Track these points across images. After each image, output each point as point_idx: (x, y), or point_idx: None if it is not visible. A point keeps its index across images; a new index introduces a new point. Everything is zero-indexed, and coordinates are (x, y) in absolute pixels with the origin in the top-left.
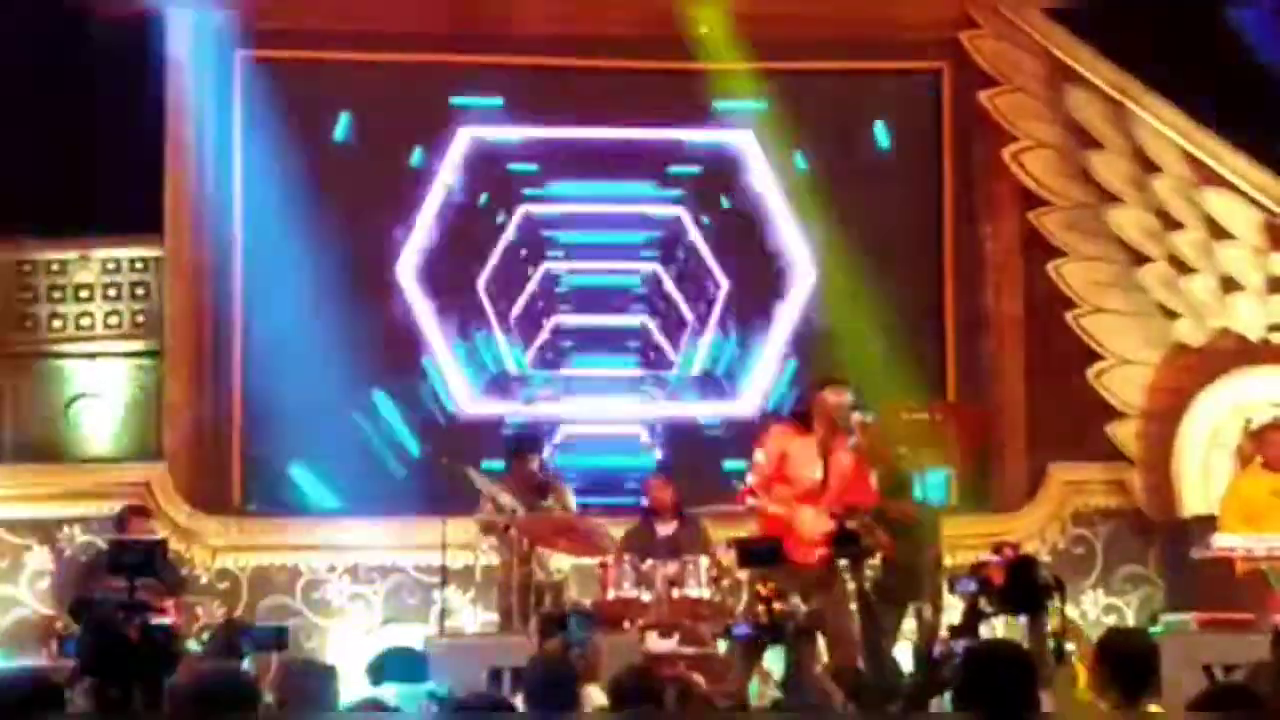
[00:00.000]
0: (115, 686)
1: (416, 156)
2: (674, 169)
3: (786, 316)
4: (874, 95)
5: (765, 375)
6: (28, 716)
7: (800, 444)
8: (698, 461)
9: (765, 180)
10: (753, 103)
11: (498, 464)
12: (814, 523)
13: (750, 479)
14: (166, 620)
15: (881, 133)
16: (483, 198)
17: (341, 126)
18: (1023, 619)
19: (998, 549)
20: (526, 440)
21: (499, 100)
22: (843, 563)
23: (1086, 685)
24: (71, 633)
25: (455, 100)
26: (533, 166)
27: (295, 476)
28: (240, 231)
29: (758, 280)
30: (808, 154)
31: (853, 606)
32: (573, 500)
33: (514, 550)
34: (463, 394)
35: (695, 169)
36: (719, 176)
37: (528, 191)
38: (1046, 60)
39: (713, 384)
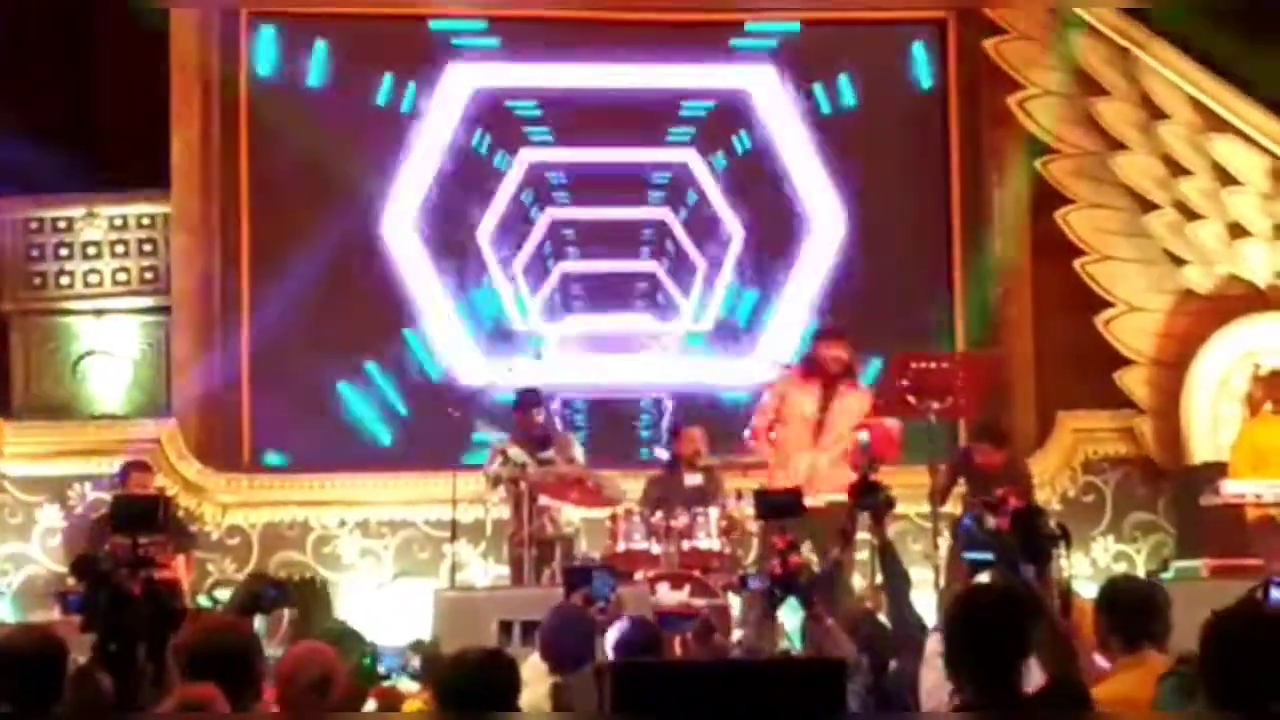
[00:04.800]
0: (118, 643)
1: (409, 100)
2: (686, 109)
3: (807, 269)
4: (882, 45)
5: (784, 331)
6: (32, 672)
7: (800, 388)
8: (711, 415)
9: (776, 128)
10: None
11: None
12: (810, 467)
13: (755, 421)
14: (171, 576)
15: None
16: (484, 142)
17: (317, 69)
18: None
19: (1002, 498)
20: (529, 393)
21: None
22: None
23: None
24: (75, 589)
25: (454, 41)
26: (533, 105)
27: (304, 431)
28: (247, 186)
29: (771, 229)
30: (816, 103)
31: (859, 556)
32: (578, 451)
33: (523, 504)
34: (460, 352)
35: (705, 111)
36: (729, 121)
37: (529, 131)
38: (1051, 7)
39: (729, 336)
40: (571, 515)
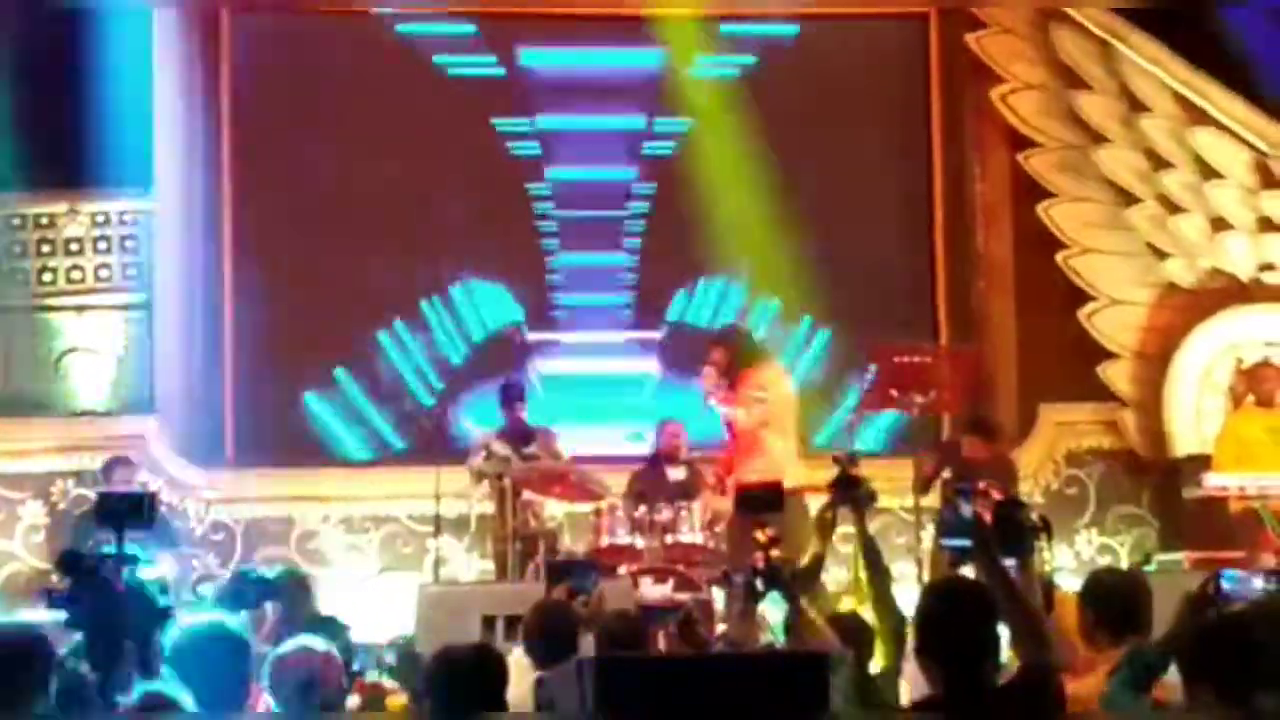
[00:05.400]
0: (105, 640)
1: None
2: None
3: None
4: (863, 39)
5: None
6: (18, 671)
7: None
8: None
9: (757, 123)
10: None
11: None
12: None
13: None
14: (157, 573)
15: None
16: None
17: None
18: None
19: (984, 491)
20: (514, 387)
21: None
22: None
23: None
24: (60, 586)
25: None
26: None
27: (289, 426)
28: (229, 182)
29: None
30: (799, 98)
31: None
32: (562, 446)
33: (506, 498)
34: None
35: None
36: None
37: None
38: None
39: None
40: (555, 510)
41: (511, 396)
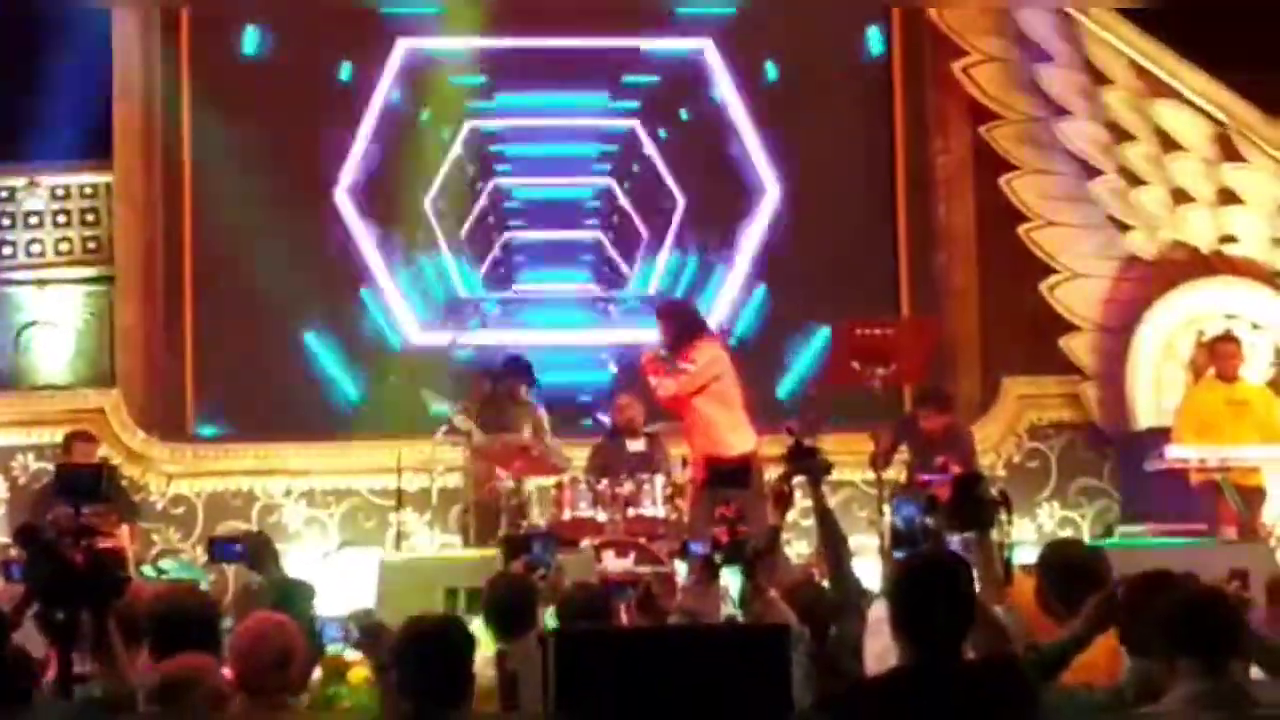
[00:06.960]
0: (61, 611)
1: (347, 71)
2: (630, 79)
3: (751, 238)
4: (826, 12)
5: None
6: None
7: None
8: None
9: (723, 93)
10: (714, 10)
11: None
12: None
13: None
14: (114, 545)
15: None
16: (425, 114)
17: (260, 43)
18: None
19: (943, 465)
20: (525, 367)
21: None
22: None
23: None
24: (18, 558)
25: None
26: (478, 78)
27: (249, 401)
28: (189, 155)
29: (719, 197)
30: (760, 69)
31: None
32: (545, 428)
33: (473, 471)
34: (408, 322)
35: (652, 78)
36: (677, 87)
37: (472, 105)
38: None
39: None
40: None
41: (520, 373)
